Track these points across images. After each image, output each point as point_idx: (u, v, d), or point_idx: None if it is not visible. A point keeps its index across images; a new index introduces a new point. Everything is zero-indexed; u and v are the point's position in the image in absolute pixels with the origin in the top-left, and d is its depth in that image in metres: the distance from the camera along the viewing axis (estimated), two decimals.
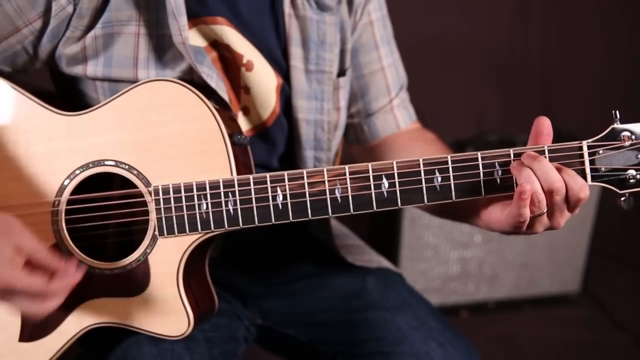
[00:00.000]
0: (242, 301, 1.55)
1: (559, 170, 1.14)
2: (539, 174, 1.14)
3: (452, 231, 2.80)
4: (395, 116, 1.58)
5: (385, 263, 1.63)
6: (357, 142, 1.61)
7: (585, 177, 1.17)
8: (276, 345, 1.66)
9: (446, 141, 1.56)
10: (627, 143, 1.16)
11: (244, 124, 1.42)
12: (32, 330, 1.30)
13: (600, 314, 2.95)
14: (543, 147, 1.17)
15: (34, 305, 1.14)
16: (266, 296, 1.57)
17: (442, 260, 2.83)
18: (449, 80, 3.27)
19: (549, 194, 1.14)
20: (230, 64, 1.39)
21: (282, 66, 1.42)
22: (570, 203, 1.15)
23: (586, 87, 3.44)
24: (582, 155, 1.17)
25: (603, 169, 1.17)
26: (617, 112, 1.17)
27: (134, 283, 1.27)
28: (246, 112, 1.43)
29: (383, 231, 2.83)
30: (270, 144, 1.45)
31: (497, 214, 1.22)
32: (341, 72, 1.48)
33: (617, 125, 1.17)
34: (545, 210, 1.15)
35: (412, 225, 2.76)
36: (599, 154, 1.17)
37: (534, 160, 1.15)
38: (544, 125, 1.18)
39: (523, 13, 3.33)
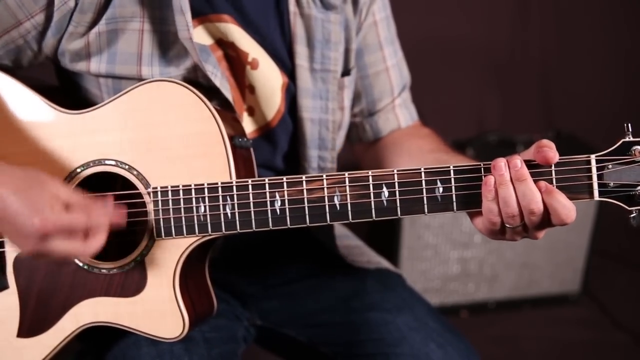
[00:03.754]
0: (241, 302, 1.55)
1: (549, 192, 1.12)
2: (518, 192, 1.13)
3: (452, 231, 2.79)
4: (397, 115, 1.58)
5: (385, 263, 1.63)
6: (359, 140, 1.62)
7: (592, 192, 1.14)
8: (276, 346, 1.66)
9: (446, 141, 1.56)
10: (639, 158, 1.12)
11: (249, 125, 1.42)
12: (30, 326, 1.30)
13: (600, 314, 2.94)
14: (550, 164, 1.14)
15: (82, 243, 1.15)
16: (265, 297, 1.57)
17: (442, 260, 2.83)
18: (449, 80, 3.26)
19: (525, 212, 1.13)
20: (235, 62, 1.39)
21: (287, 65, 1.43)
22: (553, 224, 1.14)
23: (586, 87, 3.43)
24: (590, 170, 1.13)
25: (612, 184, 1.13)
26: (629, 125, 1.13)
27: (131, 284, 1.27)
28: (251, 112, 1.43)
29: (383, 231, 2.83)
30: (274, 144, 1.45)
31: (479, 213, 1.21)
32: (345, 72, 1.49)
33: (628, 139, 1.12)
34: (520, 224, 1.15)
35: (412, 225, 2.76)
36: (608, 168, 1.13)
37: (518, 180, 1.13)
38: (547, 145, 1.14)
39: (523, 13, 3.33)
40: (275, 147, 1.46)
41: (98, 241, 1.16)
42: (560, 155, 1.13)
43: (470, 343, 1.48)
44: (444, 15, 3.22)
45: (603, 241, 2.94)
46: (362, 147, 1.63)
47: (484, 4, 3.28)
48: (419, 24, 3.00)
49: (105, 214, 1.17)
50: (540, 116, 3.43)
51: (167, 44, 1.32)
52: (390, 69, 1.56)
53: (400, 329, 1.45)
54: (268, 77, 1.41)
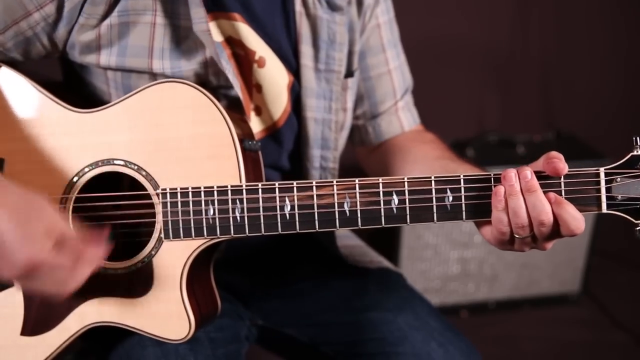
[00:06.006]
0: (243, 302, 1.56)
1: (559, 203, 1.13)
2: (528, 203, 1.14)
3: (452, 231, 2.80)
4: (400, 118, 1.58)
5: (386, 263, 1.64)
6: (362, 143, 1.62)
7: (600, 205, 1.15)
8: (277, 346, 1.67)
9: (446, 141, 1.57)
10: None
11: (256, 125, 1.43)
12: (35, 324, 1.30)
13: (600, 314, 2.95)
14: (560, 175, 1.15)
15: (57, 285, 1.15)
16: (267, 297, 1.58)
17: (442, 260, 2.84)
18: (449, 80, 3.27)
19: (535, 223, 1.14)
20: (242, 61, 1.39)
21: (292, 64, 1.43)
22: (562, 234, 1.15)
23: (586, 87, 3.44)
24: (598, 182, 1.15)
25: (620, 197, 1.14)
26: (638, 139, 1.14)
27: (137, 284, 1.28)
28: (258, 112, 1.43)
29: (383, 231, 2.82)
30: (280, 144, 1.46)
31: (487, 222, 1.22)
32: (349, 73, 1.49)
33: (637, 153, 1.14)
34: (529, 235, 1.16)
35: (412, 226, 2.75)
36: (617, 181, 1.14)
37: (528, 191, 1.14)
38: (556, 156, 1.15)
39: (523, 13, 3.33)
40: (281, 147, 1.46)
41: (74, 286, 1.16)
42: (567, 164, 1.14)
43: (470, 342, 1.49)
44: (443, 15, 3.22)
45: (603, 241, 2.94)
46: (365, 150, 1.63)
47: (484, 4, 3.28)
48: (419, 24, 3.00)
49: (93, 258, 1.16)
50: (540, 116, 3.43)
51: (179, 38, 1.31)
52: (393, 71, 1.57)
53: (402, 328, 1.45)
54: (274, 75, 1.41)
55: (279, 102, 1.43)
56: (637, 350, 2.75)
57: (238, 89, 1.34)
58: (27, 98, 1.31)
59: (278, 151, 1.46)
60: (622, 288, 3.11)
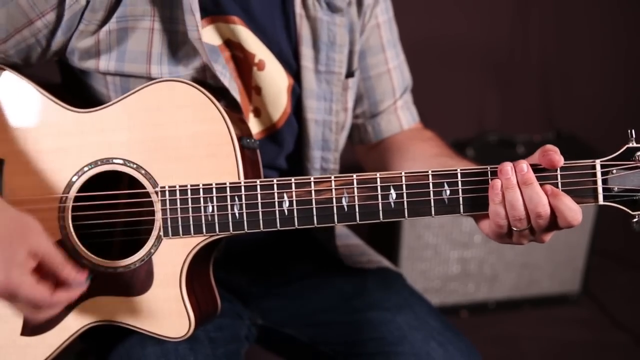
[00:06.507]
0: (242, 301, 1.56)
1: (555, 195, 1.14)
2: (524, 196, 1.14)
3: (452, 231, 2.80)
4: (399, 117, 1.59)
5: (385, 263, 1.64)
6: (361, 142, 1.62)
7: (597, 197, 1.16)
8: (277, 346, 1.67)
9: (446, 141, 1.57)
10: None
11: (255, 126, 1.43)
12: (34, 325, 1.30)
13: (600, 314, 2.95)
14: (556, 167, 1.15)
15: (33, 311, 1.16)
16: (267, 296, 1.58)
17: (442, 260, 2.84)
18: (449, 80, 3.26)
19: (532, 215, 1.15)
20: (242, 63, 1.40)
21: (292, 66, 1.43)
22: (560, 226, 1.16)
23: (586, 87, 3.44)
24: (594, 174, 1.15)
25: (616, 189, 1.15)
26: (633, 131, 1.15)
27: (137, 283, 1.28)
28: (257, 113, 1.43)
29: (383, 231, 2.83)
30: (279, 145, 1.46)
31: (485, 216, 1.22)
32: (349, 73, 1.49)
33: (632, 145, 1.15)
34: (527, 227, 1.16)
35: (412, 225, 2.76)
36: (613, 173, 1.15)
37: (524, 183, 1.15)
38: (552, 149, 1.16)
39: (523, 13, 3.33)
40: (280, 148, 1.46)
41: (50, 314, 1.17)
42: (562, 157, 1.14)
43: (470, 342, 1.49)
44: (443, 15, 3.22)
45: (603, 241, 2.94)
46: (364, 148, 1.64)
47: (484, 4, 3.28)
48: (418, 24, 3.00)
49: (71, 295, 1.17)
50: (540, 116, 3.43)
51: (177, 43, 1.32)
52: (392, 70, 1.57)
53: (401, 327, 1.45)
54: (274, 78, 1.41)
55: (278, 104, 1.43)
56: (637, 350, 2.75)
57: (236, 93, 1.34)
58: (26, 98, 1.31)
59: (277, 152, 1.46)
60: (622, 288, 3.11)
